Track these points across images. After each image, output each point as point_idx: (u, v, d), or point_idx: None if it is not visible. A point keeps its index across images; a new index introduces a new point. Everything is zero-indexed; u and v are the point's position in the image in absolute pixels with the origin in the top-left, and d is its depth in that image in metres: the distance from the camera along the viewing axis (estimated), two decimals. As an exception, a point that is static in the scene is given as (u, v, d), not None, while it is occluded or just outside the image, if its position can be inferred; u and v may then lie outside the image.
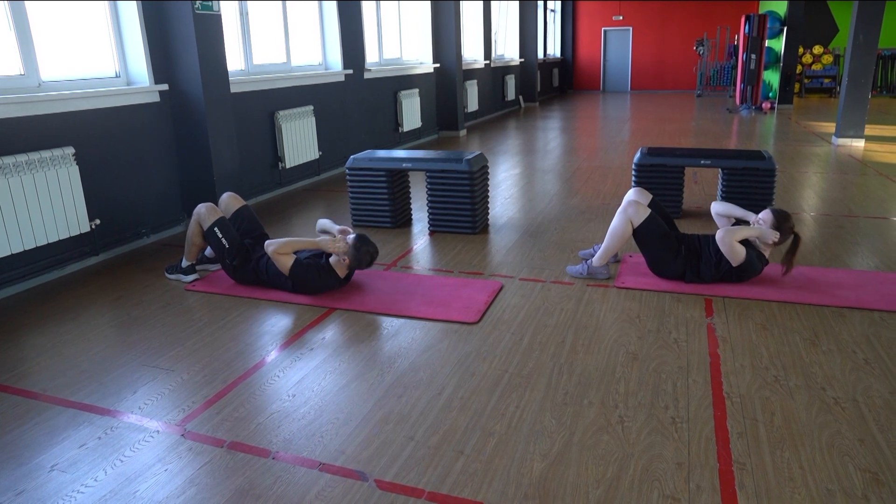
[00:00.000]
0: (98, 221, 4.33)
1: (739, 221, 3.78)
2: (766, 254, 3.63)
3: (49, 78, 4.20)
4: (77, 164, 4.09)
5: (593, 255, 3.99)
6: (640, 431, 2.30)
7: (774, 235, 3.52)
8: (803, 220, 5.03)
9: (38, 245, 3.89)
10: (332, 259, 3.64)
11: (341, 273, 3.66)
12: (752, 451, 2.17)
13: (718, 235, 3.52)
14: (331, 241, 3.59)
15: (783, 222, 3.54)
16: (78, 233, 4.13)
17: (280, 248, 3.56)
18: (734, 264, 3.54)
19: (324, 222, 3.95)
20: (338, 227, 3.82)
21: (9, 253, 3.71)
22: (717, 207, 3.90)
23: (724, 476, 2.06)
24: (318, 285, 3.62)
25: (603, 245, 3.79)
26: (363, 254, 3.58)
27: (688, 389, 2.58)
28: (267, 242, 3.59)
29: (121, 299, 3.74)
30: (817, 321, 3.18)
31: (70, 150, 4.03)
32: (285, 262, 3.57)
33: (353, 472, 2.13)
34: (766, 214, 3.59)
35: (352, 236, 3.63)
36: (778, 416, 2.38)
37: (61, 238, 4.03)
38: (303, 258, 3.65)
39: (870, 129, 9.89)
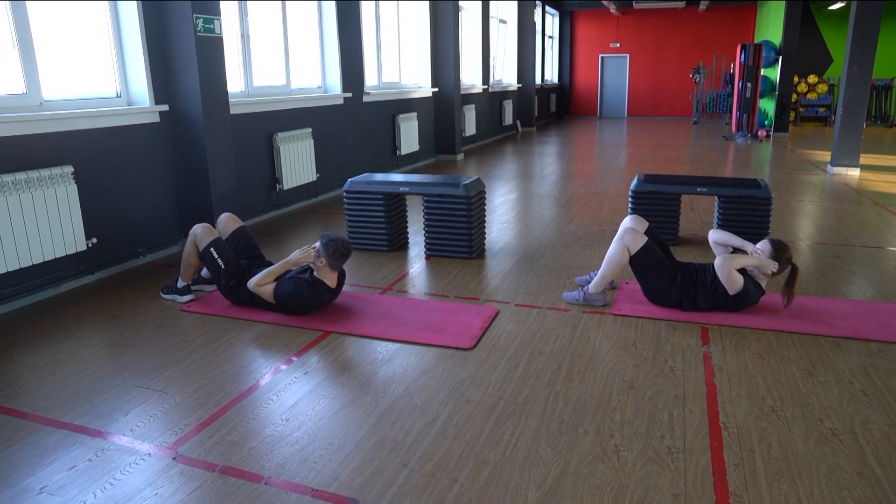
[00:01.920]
0: (95, 240, 4.32)
1: (737, 251, 3.78)
2: (764, 284, 3.63)
3: (51, 97, 4.22)
4: (75, 182, 4.10)
5: (589, 282, 3.99)
6: (636, 461, 2.29)
7: (773, 266, 3.52)
8: (799, 248, 5.05)
9: (35, 263, 3.88)
10: (314, 272, 3.64)
11: (330, 282, 3.65)
12: (749, 484, 2.15)
13: (717, 262, 3.52)
14: (300, 252, 3.61)
15: (781, 253, 3.54)
16: (74, 251, 4.13)
17: (259, 282, 3.62)
18: (731, 292, 3.53)
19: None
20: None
21: (5, 270, 3.70)
22: (715, 236, 3.90)
23: (720, 508, 2.04)
24: (308, 301, 3.60)
25: (599, 272, 3.79)
26: (336, 246, 3.55)
27: (684, 419, 2.56)
28: (248, 283, 3.64)
29: (115, 319, 3.72)
30: (814, 351, 3.18)
31: (69, 169, 4.04)
32: (267, 290, 3.61)
33: (346, 500, 2.10)
34: (764, 245, 3.59)
35: (317, 243, 3.64)
36: (775, 447, 2.36)
37: (58, 256, 4.02)
38: (286, 278, 3.64)
39: (864, 159, 9.98)
